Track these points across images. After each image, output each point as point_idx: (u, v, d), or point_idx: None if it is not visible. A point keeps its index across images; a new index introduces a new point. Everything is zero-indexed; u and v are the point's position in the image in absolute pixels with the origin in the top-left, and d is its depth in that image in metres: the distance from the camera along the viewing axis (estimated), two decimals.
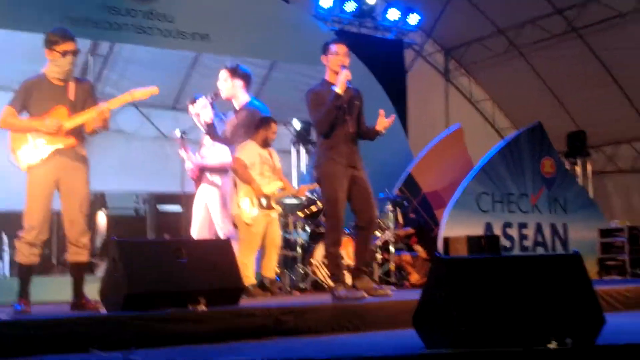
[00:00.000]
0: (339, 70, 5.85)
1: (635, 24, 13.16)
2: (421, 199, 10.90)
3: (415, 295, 4.40)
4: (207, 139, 7.72)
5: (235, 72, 7.55)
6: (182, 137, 7.63)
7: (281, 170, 7.79)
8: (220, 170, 7.60)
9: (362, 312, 5.12)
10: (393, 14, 14.06)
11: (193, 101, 7.52)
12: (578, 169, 13.88)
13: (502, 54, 15.12)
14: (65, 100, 5.47)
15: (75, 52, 5.50)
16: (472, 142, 11.81)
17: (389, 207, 9.01)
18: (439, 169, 11.09)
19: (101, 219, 8.90)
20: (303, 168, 10.82)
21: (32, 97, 5.48)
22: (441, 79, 16.25)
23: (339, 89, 5.78)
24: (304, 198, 8.66)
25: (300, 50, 11.33)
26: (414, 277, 9.12)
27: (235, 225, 7.50)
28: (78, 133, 5.54)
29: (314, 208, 9.02)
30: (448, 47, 16.14)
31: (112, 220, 8.72)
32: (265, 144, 7.56)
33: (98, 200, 8.71)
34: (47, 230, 5.52)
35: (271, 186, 7.52)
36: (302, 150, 10.84)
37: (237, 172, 7.38)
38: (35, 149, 5.41)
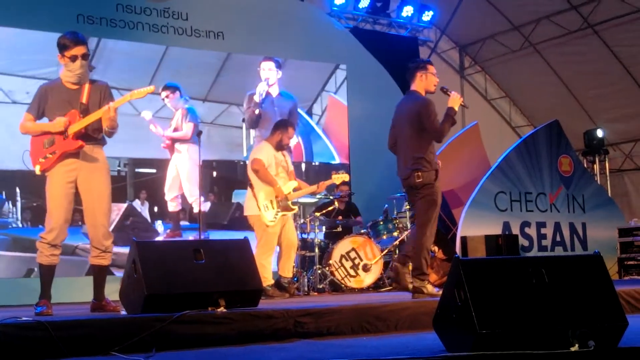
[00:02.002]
0: (433, 89, 6.54)
1: None
2: None
3: (434, 296, 4.38)
4: (177, 116, 9.62)
5: (279, 64, 9.17)
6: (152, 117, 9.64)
7: (294, 172, 7.84)
8: (185, 141, 9.51)
9: (383, 314, 5.10)
10: (407, 11, 14.01)
11: (164, 88, 9.57)
12: (596, 167, 13.81)
13: (517, 51, 15.02)
14: (76, 104, 5.51)
15: (85, 56, 5.52)
16: (488, 139, 11.78)
17: (406, 206, 8.98)
18: (456, 167, 11.05)
19: None
20: (251, 141, 11.24)
21: (48, 102, 5.53)
22: (456, 76, 16.17)
23: (456, 107, 6.42)
24: (323, 194, 8.71)
25: (314, 48, 11.34)
26: (432, 277, 9.07)
27: (251, 227, 7.57)
28: (90, 136, 5.55)
29: (330, 208, 9.05)
30: (463, 44, 16.07)
31: None
32: (279, 146, 7.62)
33: None
34: (66, 231, 5.55)
35: (287, 187, 7.55)
36: None
37: (259, 173, 7.43)
38: (48, 152, 5.46)
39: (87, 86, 5.58)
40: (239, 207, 10.11)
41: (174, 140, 9.62)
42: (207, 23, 10.44)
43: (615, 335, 3.90)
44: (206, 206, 10.00)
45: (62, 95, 5.53)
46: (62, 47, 5.48)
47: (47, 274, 5.51)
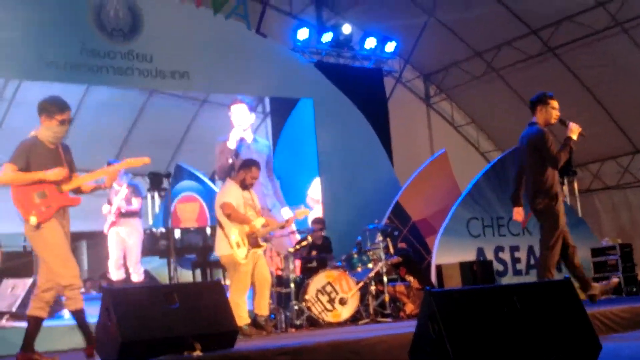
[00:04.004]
0: (552, 122, 6.99)
1: (609, 40, 13.30)
2: (411, 227, 10.90)
3: (411, 327, 4.39)
4: (122, 191, 9.82)
5: (252, 107, 9.07)
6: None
7: (261, 210, 7.83)
8: (134, 214, 9.91)
9: (359, 349, 5.09)
10: (370, 43, 14.14)
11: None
12: (565, 188, 13.94)
13: (481, 77, 15.23)
14: (61, 162, 5.78)
15: (70, 121, 5.84)
16: (457, 166, 11.84)
17: (379, 237, 8.99)
18: (427, 196, 11.09)
19: None
20: (157, 209, 12.27)
21: (31, 158, 5.68)
22: (422, 105, 16.34)
23: (574, 136, 6.90)
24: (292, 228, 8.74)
25: (280, 84, 11.38)
26: (409, 307, 9.08)
27: (224, 267, 7.53)
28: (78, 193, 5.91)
29: (304, 243, 9.04)
30: (427, 73, 16.26)
31: (5, 256, 10.74)
32: (243, 186, 7.61)
33: None
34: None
35: (257, 222, 7.54)
36: (156, 195, 12.61)
37: (231, 216, 7.40)
38: (43, 205, 5.61)
39: (60, 147, 5.86)
40: (147, 274, 10.51)
41: (121, 215, 9.93)
42: (172, 63, 10.43)
43: (590, 359, 3.93)
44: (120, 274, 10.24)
45: (44, 153, 5.74)
46: (50, 111, 5.75)
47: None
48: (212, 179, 12.00)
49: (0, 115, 8.85)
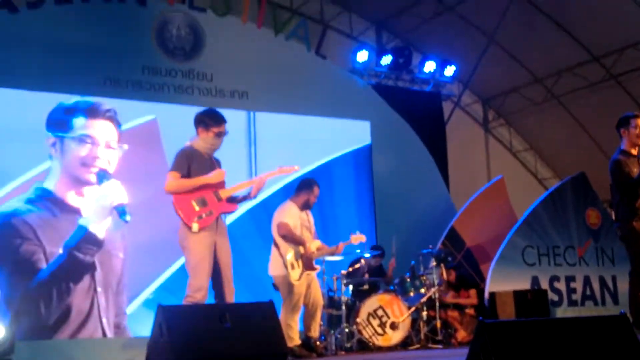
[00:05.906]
0: (636, 141, 6.68)
1: None
2: (465, 253, 10.80)
3: (462, 355, 4.35)
4: None
5: None
6: None
7: (315, 232, 7.83)
8: None
9: None
10: (429, 67, 14.07)
11: None
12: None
13: (541, 103, 15.05)
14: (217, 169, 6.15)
15: (225, 134, 6.16)
16: (514, 193, 11.72)
17: (433, 262, 8.94)
18: (483, 222, 10.99)
19: None
20: None
21: (192, 165, 6.00)
22: (480, 130, 16.19)
23: None
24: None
25: (338, 105, 11.43)
26: (461, 334, 9.00)
27: (276, 287, 7.55)
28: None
29: (357, 265, 9.02)
30: (486, 97, 16.12)
31: None
32: (305, 206, 7.61)
33: None
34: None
35: (312, 245, 7.55)
36: None
37: (287, 237, 7.41)
38: (204, 212, 5.91)
39: (213, 159, 6.23)
40: None
41: None
42: (232, 83, 10.57)
43: None
44: None
45: (201, 162, 6.07)
46: (209, 123, 6.11)
47: None
48: None
49: None
